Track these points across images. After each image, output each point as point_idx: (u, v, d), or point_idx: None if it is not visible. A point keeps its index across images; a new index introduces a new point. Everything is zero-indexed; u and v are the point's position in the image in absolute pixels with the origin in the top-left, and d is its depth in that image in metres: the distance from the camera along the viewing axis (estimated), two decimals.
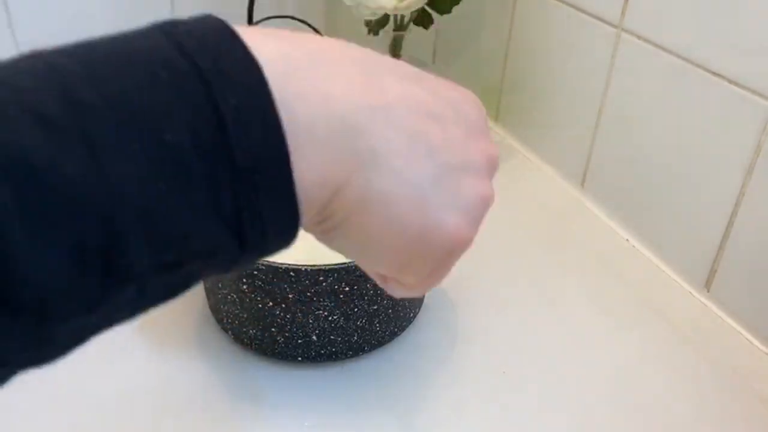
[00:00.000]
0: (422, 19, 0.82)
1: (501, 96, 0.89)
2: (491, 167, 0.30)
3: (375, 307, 0.53)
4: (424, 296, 0.60)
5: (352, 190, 0.25)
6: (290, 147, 0.22)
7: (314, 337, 0.53)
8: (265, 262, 0.49)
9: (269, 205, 0.22)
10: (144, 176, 0.20)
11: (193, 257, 0.22)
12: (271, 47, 0.23)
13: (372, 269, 0.31)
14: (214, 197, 0.21)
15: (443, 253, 0.28)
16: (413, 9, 0.75)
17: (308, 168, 0.23)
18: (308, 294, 0.50)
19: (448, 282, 0.64)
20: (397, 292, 0.33)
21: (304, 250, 0.57)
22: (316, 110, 0.24)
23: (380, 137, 0.25)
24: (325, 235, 0.28)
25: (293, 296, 0.50)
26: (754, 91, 0.57)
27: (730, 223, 0.61)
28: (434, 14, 0.82)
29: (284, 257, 0.50)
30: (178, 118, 0.21)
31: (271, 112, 0.22)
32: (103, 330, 0.22)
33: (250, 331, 0.54)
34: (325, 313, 0.51)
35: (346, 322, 0.52)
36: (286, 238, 0.24)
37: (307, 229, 0.28)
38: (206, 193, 0.21)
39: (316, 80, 0.24)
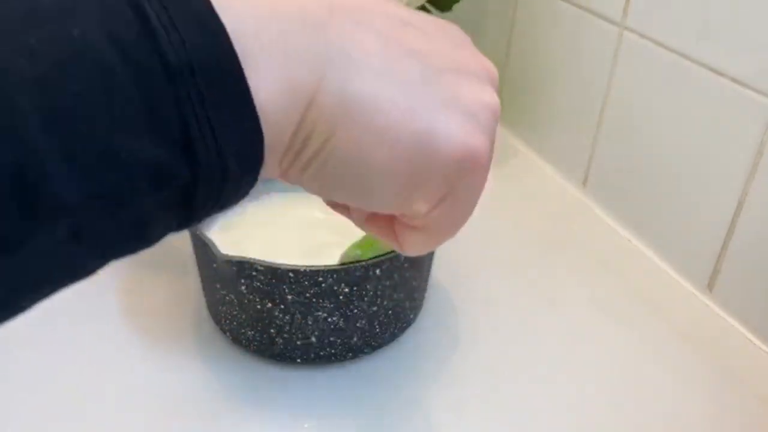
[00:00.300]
0: None
1: (502, 95, 0.88)
2: (491, 78, 0.25)
3: (375, 309, 0.53)
4: (423, 297, 0.60)
5: (326, 97, 0.21)
6: (238, 52, 0.19)
7: (313, 339, 0.52)
8: (263, 263, 0.48)
9: (220, 113, 0.18)
10: (51, 76, 0.16)
11: (134, 187, 0.18)
12: None
13: (373, 206, 0.25)
14: (147, 105, 0.18)
15: (452, 165, 0.23)
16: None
17: (264, 76, 0.19)
18: (307, 295, 0.50)
19: (447, 282, 0.64)
20: (412, 243, 0.27)
21: (304, 251, 0.57)
22: (265, 9, 0.20)
23: (348, 36, 0.21)
24: (308, 172, 0.23)
25: (292, 297, 0.50)
26: (757, 90, 0.56)
27: (733, 223, 0.61)
28: (435, 11, 0.81)
29: (283, 258, 0.49)
30: (86, 12, 0.17)
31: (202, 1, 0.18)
32: (42, 287, 0.19)
33: (249, 333, 0.53)
34: (325, 315, 0.51)
35: (345, 323, 0.52)
36: (250, 162, 0.20)
37: (287, 175, 0.23)
38: (138, 100, 0.17)
39: None
